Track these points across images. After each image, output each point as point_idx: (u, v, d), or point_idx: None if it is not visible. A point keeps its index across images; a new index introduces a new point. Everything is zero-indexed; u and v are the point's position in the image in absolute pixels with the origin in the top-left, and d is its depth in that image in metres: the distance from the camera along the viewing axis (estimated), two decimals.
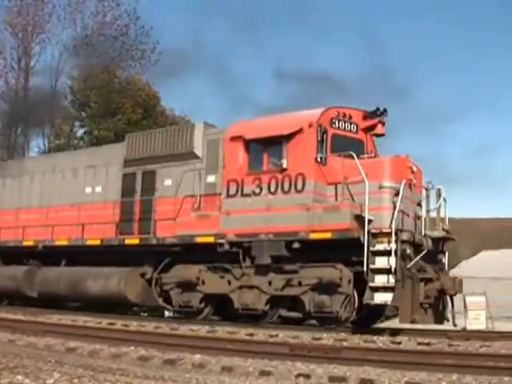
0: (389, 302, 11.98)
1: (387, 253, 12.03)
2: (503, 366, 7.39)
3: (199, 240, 14.29)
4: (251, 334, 11.58)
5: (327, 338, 11.06)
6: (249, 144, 13.95)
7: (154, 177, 16.03)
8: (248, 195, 13.80)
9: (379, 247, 12.16)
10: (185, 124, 16.13)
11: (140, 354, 8.89)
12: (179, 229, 14.69)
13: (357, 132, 14.07)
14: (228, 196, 14.08)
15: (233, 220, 13.85)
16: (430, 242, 12.96)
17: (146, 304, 15.94)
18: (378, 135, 14.08)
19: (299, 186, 13.13)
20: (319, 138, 13.26)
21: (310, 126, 13.25)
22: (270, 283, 13.49)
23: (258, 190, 13.69)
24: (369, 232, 12.15)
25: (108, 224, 16.49)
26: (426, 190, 13.18)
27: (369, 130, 14.16)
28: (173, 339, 10.23)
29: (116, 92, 29.69)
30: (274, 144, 13.60)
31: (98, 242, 16.29)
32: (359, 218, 12.46)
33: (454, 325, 12.59)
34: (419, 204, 13.55)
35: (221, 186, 14.46)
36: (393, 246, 11.98)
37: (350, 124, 13.95)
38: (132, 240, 15.70)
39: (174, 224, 14.97)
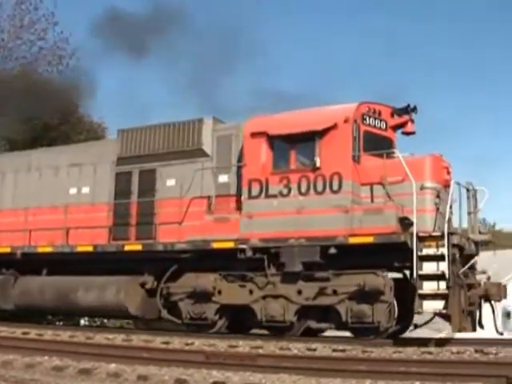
0: (441, 310, 11.15)
1: (437, 258, 11.22)
2: (414, 371, 7.72)
3: (216, 246, 12.98)
4: (167, 343, 11.49)
5: (243, 346, 10.99)
6: (274, 141, 12.80)
7: (154, 176, 14.57)
8: (274, 196, 12.64)
9: (428, 251, 11.32)
10: (192, 119, 14.57)
11: (54, 363, 8.85)
12: (190, 233, 13.33)
13: (386, 129, 13.22)
14: (250, 197, 12.86)
15: (256, 223, 12.65)
16: (472, 245, 12.28)
17: (147, 317, 14.39)
18: (408, 133, 13.27)
19: (335, 187, 12.11)
20: (355, 135, 12.31)
21: (346, 121, 12.27)
22: (299, 292, 12.38)
23: (285, 191, 12.56)
24: (417, 235, 11.30)
25: (99, 228, 14.87)
26: (468, 190, 12.47)
27: (398, 127, 13.34)
28: (88, 348, 10.25)
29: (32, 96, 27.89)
30: (303, 141, 12.51)
31: (90, 249, 14.62)
32: (402, 221, 11.60)
33: (500, 333, 11.94)
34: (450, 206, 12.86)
35: (238, 187, 13.26)
36: (443, 250, 11.19)
37: (380, 121, 13.07)
38: (133, 246, 14.15)
39: (182, 228, 13.63)
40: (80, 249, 14.74)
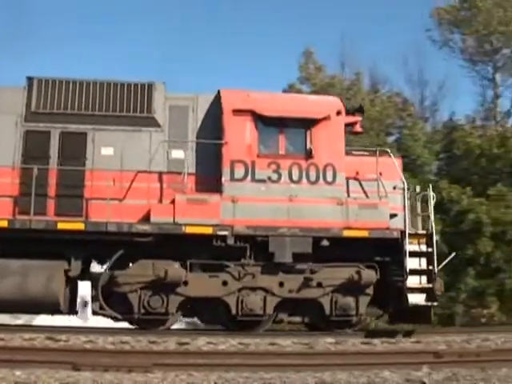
0: (422, 303, 11.97)
1: (419, 254, 12.06)
2: (291, 364, 8.11)
3: (190, 230, 11.40)
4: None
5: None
6: (261, 121, 11.90)
7: (84, 141, 11.99)
8: (262, 181, 11.76)
9: (414, 248, 12.05)
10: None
11: None
12: (156, 214, 11.42)
13: None
14: (232, 179, 11.68)
15: (241, 209, 11.57)
16: None
17: (67, 311, 11.68)
18: (357, 133, 13.74)
19: (329, 178, 11.92)
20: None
21: (339, 113, 12.21)
22: (281, 284, 11.78)
23: (275, 177, 11.81)
24: (403, 233, 11.95)
25: None
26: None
27: (349, 126, 13.72)
28: None
29: None
30: (294, 127, 11.98)
31: (3, 224, 11.16)
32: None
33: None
34: None
35: (199, 165, 11.95)
36: (423, 247, 12.10)
37: None
38: (70, 225, 11.32)
39: (123, 206, 11.59)
40: None
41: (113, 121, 12.03)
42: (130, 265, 11.62)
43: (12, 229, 11.17)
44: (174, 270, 11.33)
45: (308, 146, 11.93)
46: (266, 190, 11.72)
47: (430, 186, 12.59)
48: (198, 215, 11.41)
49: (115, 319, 11.77)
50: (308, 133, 11.98)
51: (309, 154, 11.89)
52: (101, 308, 11.56)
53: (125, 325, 12.07)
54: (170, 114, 12.21)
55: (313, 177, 11.88)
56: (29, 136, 11.87)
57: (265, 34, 51.31)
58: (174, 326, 12.42)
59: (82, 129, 11.96)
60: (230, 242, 11.47)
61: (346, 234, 11.73)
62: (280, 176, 11.81)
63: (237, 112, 11.83)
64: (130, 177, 11.76)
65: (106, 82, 12.21)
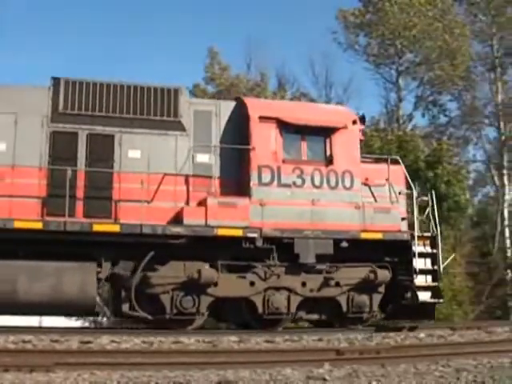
0: (429, 300, 12.97)
1: (425, 255, 13.06)
2: (194, 362, 7.89)
3: (221, 233, 11.79)
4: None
5: None
6: (285, 128, 12.47)
7: (112, 143, 12.10)
8: (288, 186, 12.34)
9: (420, 250, 13.02)
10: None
11: None
12: (189, 217, 11.73)
13: None
14: (260, 184, 12.19)
15: (269, 212, 12.09)
16: None
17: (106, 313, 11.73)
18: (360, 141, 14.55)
19: (347, 183, 12.67)
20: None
21: (354, 123, 12.99)
22: (303, 284, 12.41)
23: (299, 182, 12.42)
24: (412, 235, 12.93)
25: (23, 199, 11.41)
26: None
27: None
28: None
29: None
30: (315, 134, 12.64)
31: (37, 226, 11.06)
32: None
33: None
34: None
35: (224, 169, 12.38)
36: (428, 248, 13.12)
37: None
38: (106, 226, 11.39)
39: (151, 208, 11.82)
40: (20, 225, 10.98)
41: (140, 124, 12.20)
42: (155, 265, 11.75)
43: (46, 230, 11.10)
44: (208, 271, 11.68)
45: (328, 152, 12.62)
46: (291, 194, 12.31)
47: (432, 192, 13.63)
48: (229, 218, 11.82)
49: (144, 320, 11.93)
50: (327, 140, 12.68)
51: (329, 161, 12.58)
52: (131, 309, 11.70)
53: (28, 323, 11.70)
54: (194, 119, 12.53)
55: (332, 182, 12.59)
56: (56, 137, 11.82)
57: (169, 34, 50.85)
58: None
59: (110, 131, 12.05)
60: (259, 243, 11.95)
61: (363, 236, 12.53)
62: (303, 181, 12.44)
63: (263, 119, 12.35)
64: (157, 179, 11.98)
65: (133, 85, 12.36)
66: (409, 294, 12.89)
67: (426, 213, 13.37)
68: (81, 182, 11.75)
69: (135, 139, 12.16)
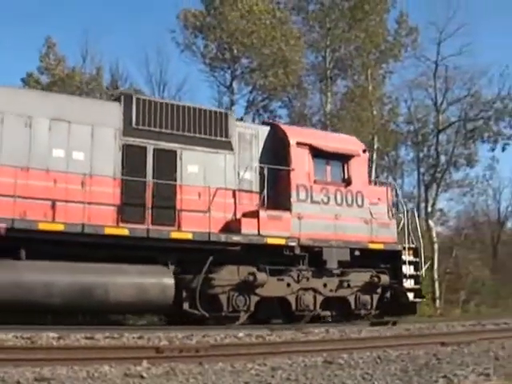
0: (412, 300, 15.91)
1: (409, 263, 16.00)
2: (10, 358, 7.34)
3: (270, 241, 13.71)
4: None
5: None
6: (315, 153, 14.66)
7: (175, 158, 13.49)
8: (317, 202, 14.56)
9: (409, 258, 15.91)
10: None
11: None
12: (245, 227, 13.50)
13: None
14: (298, 200, 14.28)
15: (304, 224, 14.22)
16: None
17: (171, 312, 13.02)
18: None
19: (359, 202, 15.20)
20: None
21: (364, 151, 15.58)
22: (325, 285, 14.70)
23: (326, 199, 14.70)
24: (404, 247, 15.82)
25: (100, 206, 12.48)
26: None
27: None
28: None
29: None
30: (337, 159, 15.01)
31: (125, 232, 12.14)
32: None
33: None
34: None
35: (261, 185, 14.26)
36: (411, 258, 16.09)
37: None
38: (181, 234, 12.77)
39: (207, 218, 13.44)
40: (110, 231, 12.01)
41: (197, 142, 13.70)
42: (213, 269, 13.33)
43: (132, 237, 12.27)
44: (260, 275, 13.54)
45: (345, 175, 15.06)
46: (320, 210, 14.57)
47: (415, 211, 16.65)
48: (275, 228, 13.80)
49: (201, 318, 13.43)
50: (345, 165, 15.12)
51: (347, 183, 15.02)
52: (191, 307, 13.17)
53: None
54: (239, 140, 14.27)
55: (349, 200, 15.06)
56: (128, 149, 12.94)
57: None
58: None
59: (172, 147, 13.42)
60: (297, 251, 14.06)
61: (371, 246, 15.15)
62: (329, 199, 14.76)
63: (299, 144, 14.47)
64: (212, 192, 13.55)
65: (193, 107, 13.82)
66: (388, 294, 15.65)
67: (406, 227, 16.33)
68: (149, 193, 13.00)
69: (193, 155, 13.63)
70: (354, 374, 7.27)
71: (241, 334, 10.68)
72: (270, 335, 10.85)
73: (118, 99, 13.39)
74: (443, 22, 30.32)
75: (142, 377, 6.81)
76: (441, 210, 34.34)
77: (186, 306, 13.18)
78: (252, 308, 13.69)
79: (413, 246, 16.08)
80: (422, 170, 32.49)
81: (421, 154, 32.45)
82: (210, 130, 13.89)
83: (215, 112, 14.16)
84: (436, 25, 30.20)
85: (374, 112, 28.01)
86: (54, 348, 8.34)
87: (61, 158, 12.27)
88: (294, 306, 14.22)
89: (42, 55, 26.62)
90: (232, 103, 28.01)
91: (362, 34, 27.42)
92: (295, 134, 14.70)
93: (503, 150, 31.09)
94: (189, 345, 8.90)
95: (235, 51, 27.14)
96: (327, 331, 11.72)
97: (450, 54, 30.21)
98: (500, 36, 55.97)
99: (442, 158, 31.37)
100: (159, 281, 12.51)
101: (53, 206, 12.01)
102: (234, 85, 28.31)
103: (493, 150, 31.34)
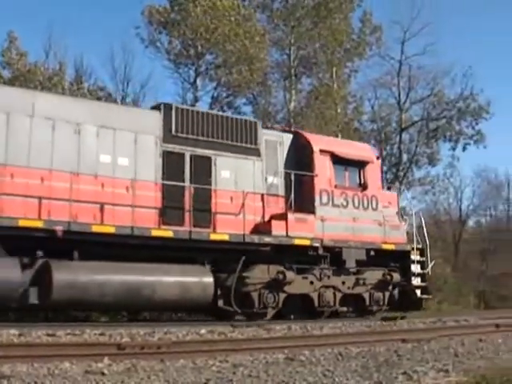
0: (422, 296, 17.10)
1: (417, 262, 17.20)
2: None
3: (297, 242, 14.69)
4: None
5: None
6: (336, 160, 15.69)
7: (210, 164, 14.35)
8: (338, 206, 15.60)
9: (417, 258, 17.11)
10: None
11: None
12: (275, 229, 14.44)
13: None
14: (321, 204, 15.29)
15: (327, 226, 15.25)
16: None
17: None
18: None
19: (374, 205, 16.30)
20: None
21: (378, 158, 16.70)
22: (343, 283, 15.76)
23: (345, 203, 15.75)
24: (412, 247, 17.01)
25: (143, 209, 13.25)
26: None
27: None
28: None
29: None
30: (354, 166, 16.08)
31: (169, 234, 12.95)
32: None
33: None
34: None
35: (287, 190, 15.21)
36: (417, 257, 17.30)
37: None
38: (218, 236, 13.63)
39: (239, 220, 14.35)
40: (156, 233, 12.80)
41: (229, 148, 14.59)
42: (245, 268, 14.23)
43: (175, 238, 13.09)
44: (289, 273, 14.50)
45: (362, 181, 16.14)
46: (340, 213, 15.62)
47: (421, 214, 17.86)
48: (302, 230, 14.78)
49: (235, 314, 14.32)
50: (361, 171, 16.19)
51: (363, 187, 16.11)
52: (225, 304, 14.05)
53: None
54: (266, 147, 15.20)
55: (365, 204, 16.14)
56: (168, 156, 13.73)
57: None
58: None
59: (207, 153, 14.27)
60: (320, 251, 15.08)
61: (384, 246, 16.28)
62: (347, 203, 15.81)
63: (322, 152, 15.47)
64: (242, 196, 14.44)
65: (225, 116, 14.75)
66: (396, 291, 16.84)
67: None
68: (188, 197, 13.82)
69: (226, 161, 14.50)
70: (315, 371, 7.31)
71: (203, 331, 10.63)
72: (232, 332, 10.89)
73: (157, 108, 14.14)
74: (407, 21, 31.34)
75: (103, 373, 6.77)
76: (403, 209, 35.52)
77: (220, 303, 14.06)
78: (280, 304, 14.65)
79: (419, 246, 17.28)
80: (384, 168, 33.50)
81: (384, 153, 32.96)
82: (241, 138, 14.78)
83: (245, 121, 15.07)
84: (400, 24, 31.20)
85: (339, 110, 28.70)
86: (14, 345, 8.25)
87: (107, 164, 12.98)
88: (316, 303, 15.23)
89: (3, 49, 26.39)
90: (196, 99, 28.00)
91: (326, 32, 27.85)
92: (318, 142, 15.71)
93: (464, 149, 31.99)
94: (151, 341, 8.85)
95: (199, 47, 27.06)
96: (289, 328, 11.86)
97: (413, 54, 31.35)
98: (463, 36, 57.86)
99: (405, 157, 32.40)
100: (200, 280, 13.35)
101: (101, 210, 12.72)
102: (198, 81, 28.28)
103: (454, 149, 32.28)
